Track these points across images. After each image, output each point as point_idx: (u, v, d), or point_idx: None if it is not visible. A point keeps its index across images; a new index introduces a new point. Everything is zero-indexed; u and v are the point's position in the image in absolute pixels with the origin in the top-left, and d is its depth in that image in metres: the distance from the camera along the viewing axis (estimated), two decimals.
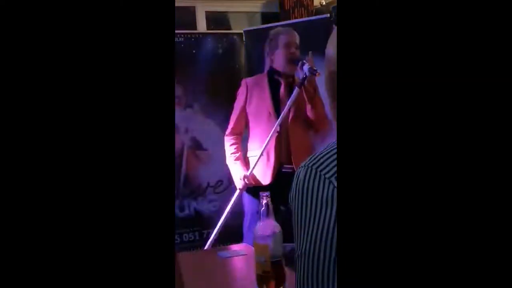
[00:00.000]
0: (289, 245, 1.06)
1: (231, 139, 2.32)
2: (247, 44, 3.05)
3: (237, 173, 2.28)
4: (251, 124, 2.29)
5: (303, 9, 3.33)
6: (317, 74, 2.11)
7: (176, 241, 2.81)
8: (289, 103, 2.18)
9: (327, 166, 0.73)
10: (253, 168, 2.22)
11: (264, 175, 2.26)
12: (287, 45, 2.24)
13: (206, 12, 3.46)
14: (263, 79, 2.30)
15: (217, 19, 3.50)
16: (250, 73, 2.83)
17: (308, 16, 3.27)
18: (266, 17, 3.55)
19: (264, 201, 1.23)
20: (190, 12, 3.40)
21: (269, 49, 2.31)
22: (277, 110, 2.24)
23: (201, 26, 3.44)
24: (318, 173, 0.73)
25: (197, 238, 2.98)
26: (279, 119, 2.18)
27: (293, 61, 2.21)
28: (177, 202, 2.90)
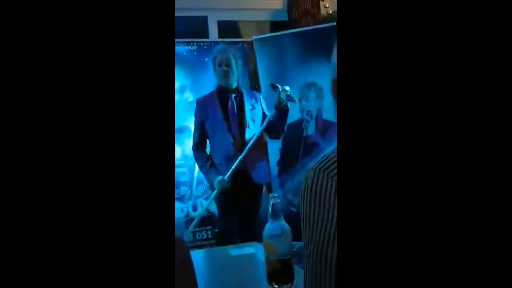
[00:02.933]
0: (298, 244, 1.09)
1: (200, 151, 2.58)
2: (257, 51, 3.12)
3: (214, 177, 2.49)
4: (211, 138, 2.55)
5: (310, 17, 3.37)
6: (293, 101, 2.41)
7: (189, 240, 2.90)
8: (264, 124, 2.46)
9: (335, 168, 0.73)
10: (230, 173, 2.45)
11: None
12: (220, 64, 2.50)
13: (218, 21, 3.53)
14: (213, 97, 2.55)
15: (228, 28, 3.56)
16: (260, 78, 2.94)
17: (315, 25, 3.30)
18: (275, 25, 3.61)
19: (273, 202, 1.25)
20: (202, 21, 3.47)
21: (213, 67, 2.57)
22: (228, 123, 2.49)
23: (213, 34, 3.51)
24: (326, 175, 0.74)
25: (210, 236, 3.08)
26: (250, 143, 2.43)
27: (226, 78, 2.47)
28: (190, 202, 3.02)
